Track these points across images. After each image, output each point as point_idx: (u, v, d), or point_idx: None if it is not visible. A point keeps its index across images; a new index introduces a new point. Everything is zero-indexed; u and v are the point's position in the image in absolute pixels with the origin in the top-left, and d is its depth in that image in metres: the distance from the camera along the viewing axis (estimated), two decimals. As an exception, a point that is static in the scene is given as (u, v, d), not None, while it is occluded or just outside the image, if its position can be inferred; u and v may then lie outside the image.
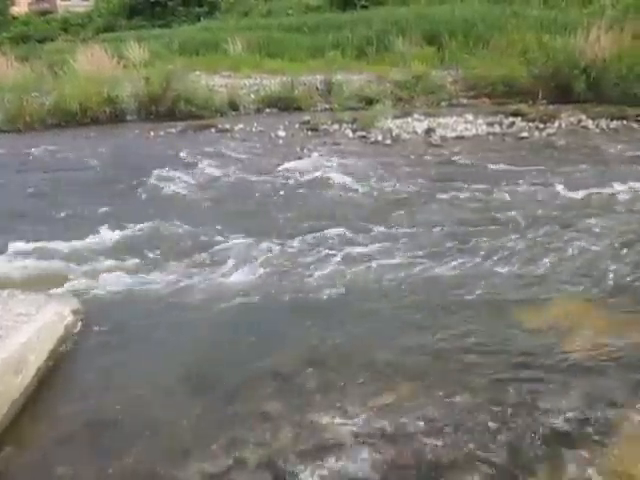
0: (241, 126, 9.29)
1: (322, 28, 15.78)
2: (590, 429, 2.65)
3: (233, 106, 10.59)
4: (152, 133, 9.10)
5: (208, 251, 4.47)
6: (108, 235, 4.78)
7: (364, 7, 18.49)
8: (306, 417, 2.79)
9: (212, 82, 11.51)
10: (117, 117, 10.24)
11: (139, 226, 4.96)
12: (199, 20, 22.79)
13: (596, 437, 2.61)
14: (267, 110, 10.65)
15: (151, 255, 4.44)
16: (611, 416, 2.73)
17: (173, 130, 9.30)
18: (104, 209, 5.55)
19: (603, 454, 2.52)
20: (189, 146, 8.06)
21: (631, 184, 5.75)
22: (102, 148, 8.25)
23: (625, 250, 4.38)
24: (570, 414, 2.74)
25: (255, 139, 8.56)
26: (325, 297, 3.83)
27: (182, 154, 7.60)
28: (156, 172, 6.62)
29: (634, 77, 9.49)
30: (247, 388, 3.03)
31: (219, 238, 4.71)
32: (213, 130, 9.27)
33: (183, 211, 5.43)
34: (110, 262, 4.33)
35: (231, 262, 4.28)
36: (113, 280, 4.04)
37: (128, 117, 10.44)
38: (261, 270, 4.19)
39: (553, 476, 2.44)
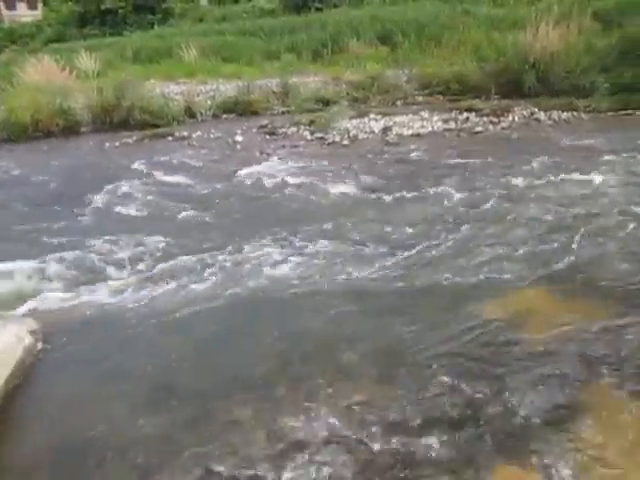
0: (198, 133, 9.20)
1: (277, 31, 15.73)
2: (554, 414, 2.73)
3: (190, 113, 10.45)
4: (107, 144, 8.92)
5: (166, 263, 4.41)
6: (63, 253, 4.65)
7: (318, 10, 18.53)
8: (276, 421, 2.79)
9: (167, 90, 11.35)
10: (71, 129, 9.95)
11: (95, 242, 4.86)
12: (152, 27, 22.43)
13: (561, 421, 2.69)
14: (224, 116, 10.57)
15: (107, 271, 4.36)
16: (574, 400, 2.82)
17: (129, 140, 9.13)
18: (58, 226, 5.40)
19: (569, 437, 2.60)
20: (146, 156, 7.93)
21: (582, 173, 5.94)
22: (55, 162, 8.05)
23: (579, 237, 4.52)
24: (534, 401, 2.82)
25: (213, 145, 8.49)
26: (286, 300, 3.85)
27: (138, 164, 7.48)
28: (112, 184, 6.50)
29: (581, 70, 9.78)
30: (215, 397, 3.02)
31: (178, 249, 4.65)
32: (170, 138, 9.14)
33: (140, 224, 5.35)
34: (66, 281, 4.24)
35: (190, 272, 4.24)
36: (70, 299, 3.97)
37: (82, 129, 10.18)
38: (221, 277, 4.16)
39: (522, 463, 2.50)
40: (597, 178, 5.79)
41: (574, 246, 4.38)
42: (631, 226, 4.66)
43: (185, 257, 4.48)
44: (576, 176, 5.87)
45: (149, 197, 6.12)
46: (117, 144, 8.93)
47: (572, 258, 4.20)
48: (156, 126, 9.80)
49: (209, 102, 10.76)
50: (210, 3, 26.47)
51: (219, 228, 5.12)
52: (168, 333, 3.60)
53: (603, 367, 3.04)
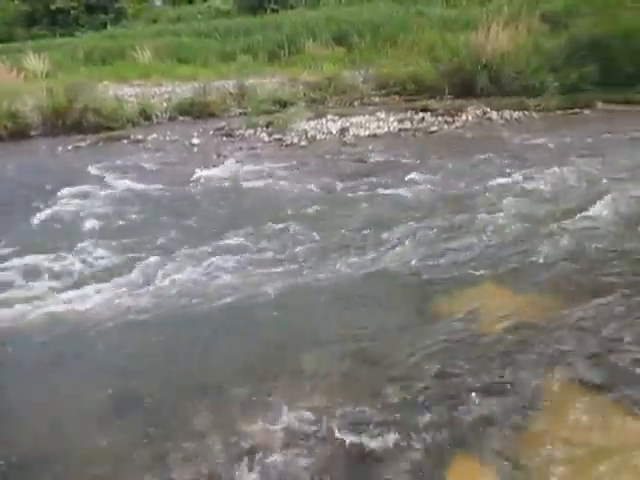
0: (154, 136, 9.04)
1: (233, 33, 15.61)
2: (510, 408, 2.80)
3: (145, 115, 10.25)
4: (59, 148, 8.68)
5: (120, 270, 4.33)
6: (12, 262, 4.50)
7: (274, 11, 18.47)
8: (234, 427, 2.77)
9: (121, 92, 11.11)
10: (20, 133, 9.59)
11: (46, 250, 4.69)
12: (105, 28, 21.89)
13: (516, 415, 2.75)
14: (180, 118, 10.41)
15: (58, 280, 4.24)
16: (528, 394, 2.88)
17: (82, 144, 8.90)
18: (6, 234, 5.19)
19: (523, 430, 2.67)
20: (100, 159, 7.74)
21: (532, 171, 6.11)
22: (3, 167, 7.77)
23: (529, 234, 4.65)
24: (490, 396, 2.88)
25: (169, 148, 8.37)
26: (242, 304, 3.83)
27: (92, 168, 7.30)
28: (64, 190, 6.31)
29: (531, 71, 10.07)
30: (172, 404, 2.98)
31: (131, 255, 4.56)
32: (125, 141, 8.96)
33: (93, 230, 5.22)
34: (15, 291, 4.10)
35: (145, 277, 4.17)
36: (21, 310, 3.84)
37: (32, 132, 9.83)
38: (176, 283, 4.11)
39: (479, 457, 2.55)
40: (547, 175, 5.97)
41: (528, 242, 4.51)
42: (582, 221, 4.83)
43: (139, 263, 4.40)
44: (527, 174, 6.04)
45: (102, 203, 5.97)
46: (70, 148, 8.71)
47: (526, 254, 4.32)
48: (110, 129, 9.57)
49: (165, 104, 10.60)
50: (164, 4, 26.05)
51: (174, 233, 5.04)
52: (123, 341, 3.54)
53: (557, 361, 3.13)
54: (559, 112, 9.21)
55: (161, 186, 6.42)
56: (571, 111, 9.17)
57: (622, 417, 2.70)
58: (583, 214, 4.95)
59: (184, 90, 11.18)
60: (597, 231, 4.64)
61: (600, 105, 9.29)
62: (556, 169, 6.15)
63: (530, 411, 2.78)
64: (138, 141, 8.87)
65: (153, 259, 4.44)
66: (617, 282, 3.86)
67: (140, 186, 6.46)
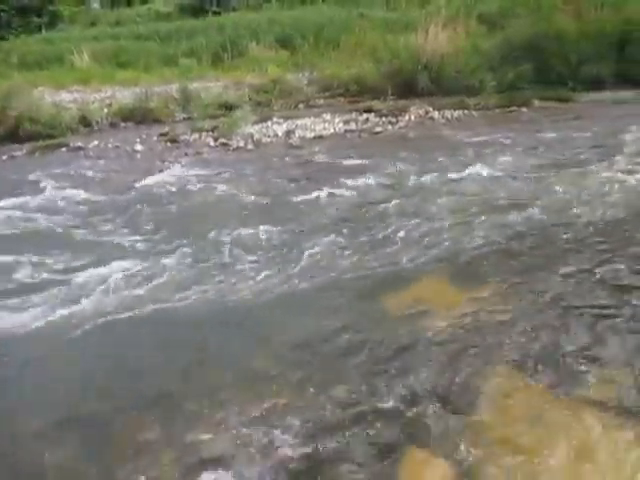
0: (95, 143, 8.78)
1: (174, 36, 15.34)
2: (458, 400, 2.88)
3: (85, 122, 9.91)
4: (-7, 158, 8.33)
5: (64, 280, 4.21)
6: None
7: (216, 13, 18.28)
8: (186, 437, 2.74)
9: (59, 98, 10.75)
10: (-53, 145, 9.17)
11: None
12: (40, 31, 21.11)
13: (464, 406, 2.84)
14: (122, 124, 10.13)
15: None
16: (475, 385, 2.97)
17: (18, 153, 8.54)
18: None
19: (471, 421, 2.75)
20: (37, 169, 7.45)
21: (473, 167, 6.31)
22: None
23: (471, 229, 4.80)
24: (438, 389, 2.96)
25: (111, 156, 8.14)
26: (193, 311, 3.80)
27: (29, 178, 7.01)
28: (-1, 202, 6.08)
29: (470, 70, 10.36)
30: (123, 417, 2.92)
31: (75, 265, 4.45)
32: (64, 149, 8.65)
33: (30, 242, 5.03)
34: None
35: (89, 288, 4.07)
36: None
37: (-38, 143, 9.41)
38: (123, 292, 4.03)
39: (431, 448, 2.62)
40: (486, 171, 6.17)
41: (467, 237, 4.65)
42: (517, 214, 5.01)
43: (83, 273, 4.30)
44: (467, 170, 6.23)
45: (41, 213, 5.75)
46: (4, 157, 8.34)
47: (467, 251, 4.44)
48: (49, 137, 9.21)
49: (105, 110, 10.29)
50: (102, 7, 25.35)
51: (115, 242, 4.93)
52: (75, 351, 3.47)
53: (501, 353, 3.24)
54: (498, 110, 9.52)
55: (103, 195, 6.25)
56: (509, 109, 9.49)
57: (566, 411, 2.80)
58: (519, 207, 5.15)
59: (125, 95, 10.90)
60: (533, 223, 4.83)
61: (536, 103, 9.67)
62: (492, 164, 6.37)
63: (478, 404, 2.86)
64: (78, 149, 8.59)
65: (89, 269, 4.35)
66: (557, 275, 4.03)
67: (81, 195, 6.26)
